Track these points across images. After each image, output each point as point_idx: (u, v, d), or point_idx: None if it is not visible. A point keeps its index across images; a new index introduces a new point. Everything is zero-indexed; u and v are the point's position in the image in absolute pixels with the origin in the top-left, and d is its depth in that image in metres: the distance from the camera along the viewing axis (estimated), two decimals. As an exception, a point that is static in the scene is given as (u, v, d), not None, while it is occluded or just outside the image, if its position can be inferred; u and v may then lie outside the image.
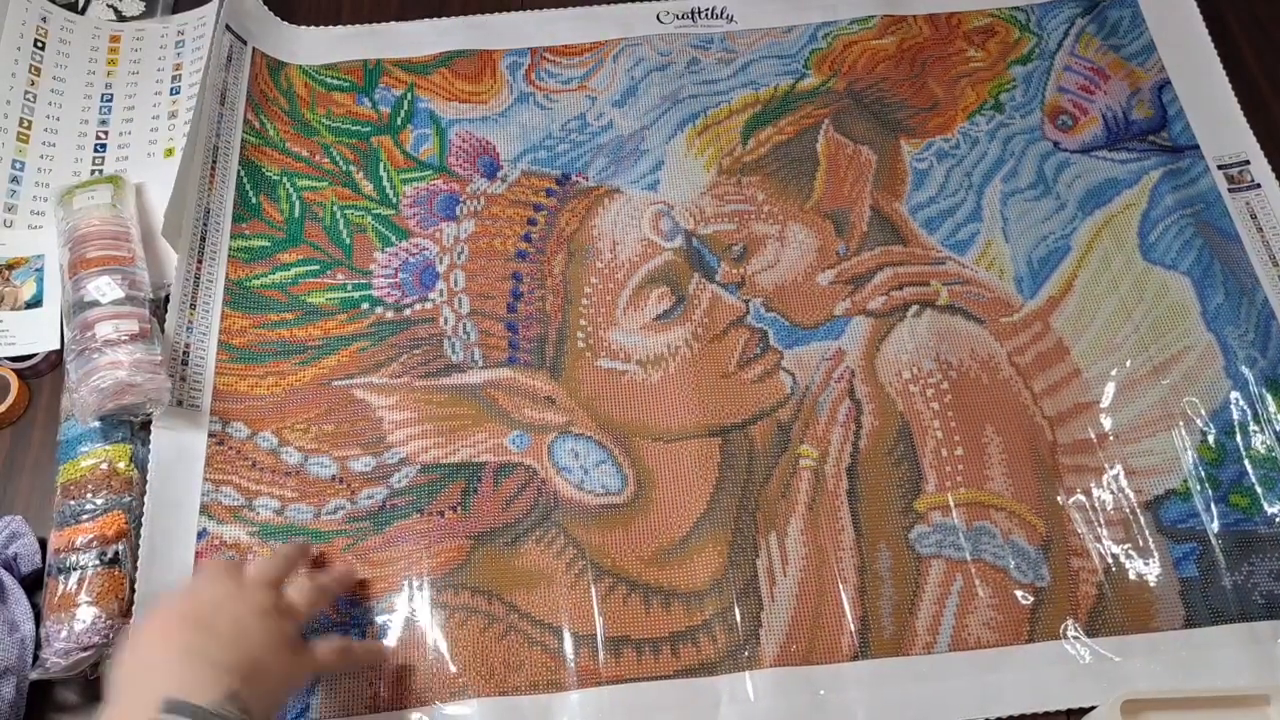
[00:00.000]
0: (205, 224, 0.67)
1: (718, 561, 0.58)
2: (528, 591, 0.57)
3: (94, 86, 0.74)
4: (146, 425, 0.60)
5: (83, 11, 0.77)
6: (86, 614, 0.53)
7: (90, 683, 0.55)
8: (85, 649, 0.53)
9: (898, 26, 0.77)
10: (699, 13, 0.78)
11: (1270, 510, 0.59)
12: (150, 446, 0.59)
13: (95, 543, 0.55)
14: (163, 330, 0.62)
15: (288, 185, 0.70)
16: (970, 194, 0.70)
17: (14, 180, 0.70)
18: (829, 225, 0.69)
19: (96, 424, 0.58)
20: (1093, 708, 0.54)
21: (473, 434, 0.62)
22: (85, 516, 0.56)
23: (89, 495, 0.56)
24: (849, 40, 0.76)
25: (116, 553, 0.55)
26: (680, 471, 0.61)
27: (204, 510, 0.59)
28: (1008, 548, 0.58)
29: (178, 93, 0.74)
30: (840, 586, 0.57)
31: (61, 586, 0.54)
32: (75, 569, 0.54)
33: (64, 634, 0.53)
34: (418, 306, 0.66)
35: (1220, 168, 0.70)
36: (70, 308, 0.60)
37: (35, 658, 0.53)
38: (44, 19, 0.75)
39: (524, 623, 0.57)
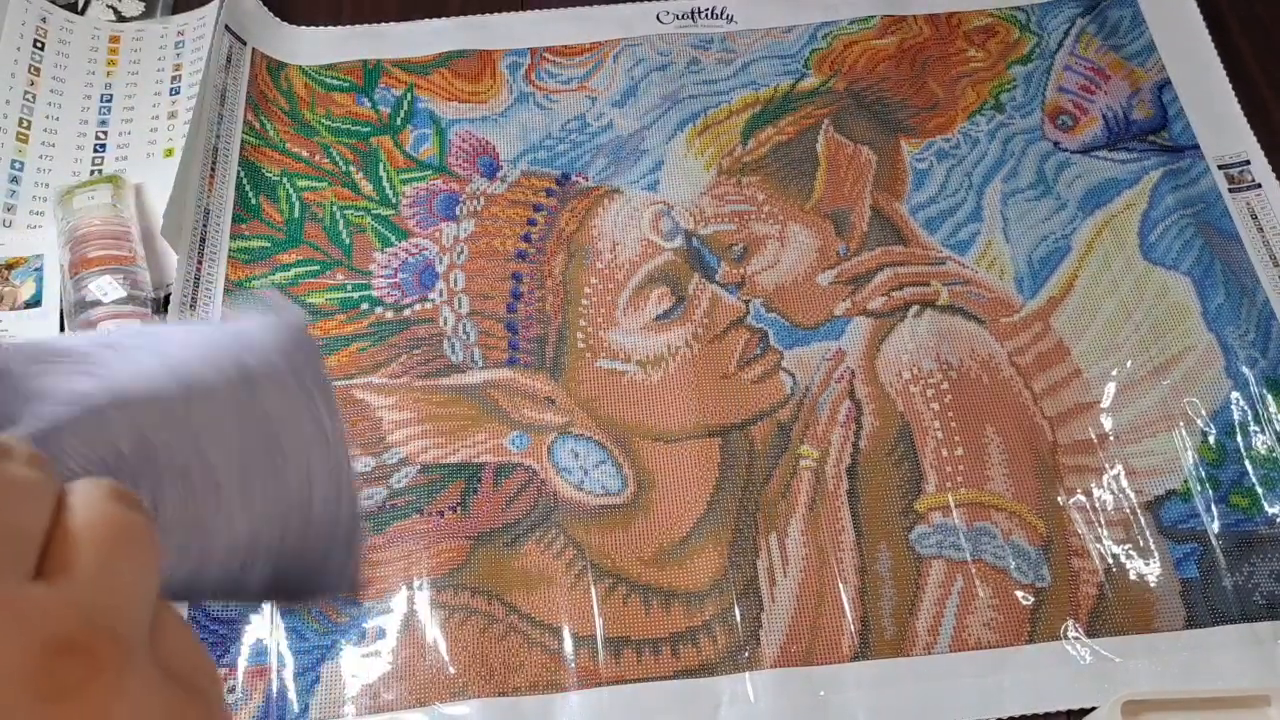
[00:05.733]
0: (205, 225, 0.67)
1: (718, 562, 0.58)
2: (528, 592, 0.57)
3: (93, 87, 0.74)
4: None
5: (82, 12, 0.77)
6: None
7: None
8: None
9: (898, 26, 0.77)
10: (699, 13, 0.78)
11: (1271, 510, 0.59)
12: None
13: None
14: (162, 330, 0.62)
15: (287, 186, 0.70)
16: (970, 194, 0.70)
17: (13, 180, 0.70)
18: (829, 225, 0.69)
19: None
20: (1093, 708, 0.53)
21: (472, 434, 0.62)
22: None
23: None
24: (849, 40, 0.76)
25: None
26: (680, 472, 0.61)
27: (204, 511, 0.59)
28: (1008, 548, 0.58)
29: (177, 93, 0.74)
30: (840, 587, 0.57)
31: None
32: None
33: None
34: (417, 307, 0.66)
35: (1221, 168, 0.70)
36: (72, 307, 0.60)
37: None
38: (44, 19, 0.75)
39: (524, 623, 0.56)
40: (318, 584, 0.28)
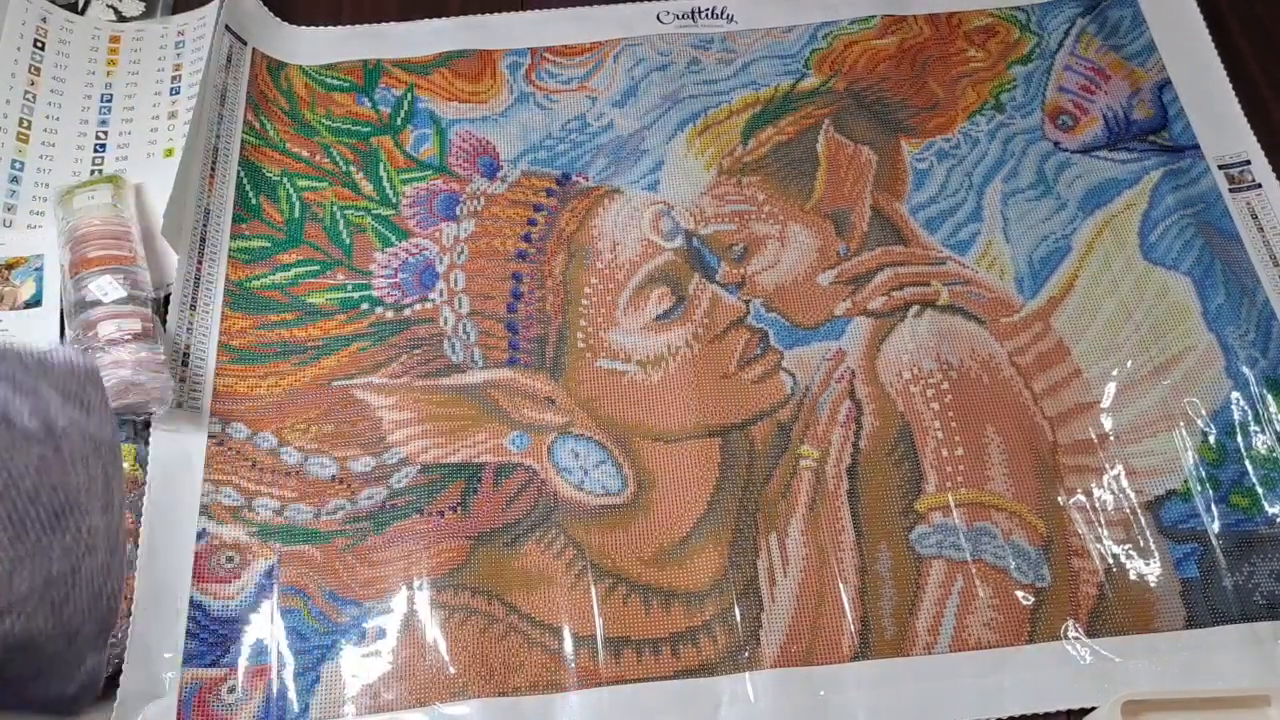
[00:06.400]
0: (205, 224, 0.67)
1: (718, 562, 0.58)
2: (528, 592, 0.57)
3: (94, 87, 0.74)
4: (150, 425, 0.60)
5: (83, 12, 0.77)
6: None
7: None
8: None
9: (898, 26, 0.77)
10: (699, 13, 0.78)
11: (1271, 510, 0.59)
12: (149, 447, 0.59)
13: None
14: (164, 329, 0.62)
15: (288, 185, 0.70)
16: (971, 194, 0.70)
17: (14, 180, 0.70)
18: (829, 225, 0.69)
19: (96, 424, 0.58)
20: (1093, 708, 0.53)
21: (473, 434, 0.62)
22: (86, 517, 0.56)
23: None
24: (849, 40, 0.76)
25: (118, 553, 0.55)
26: (680, 472, 0.61)
27: (204, 510, 0.59)
28: (1008, 548, 0.58)
29: (177, 93, 0.74)
30: (841, 587, 0.57)
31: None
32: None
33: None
34: (417, 306, 0.66)
35: (1221, 168, 0.70)
36: (72, 307, 0.60)
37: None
38: (44, 19, 0.75)
39: (524, 623, 0.56)
40: (54, 671, 0.25)
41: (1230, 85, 0.73)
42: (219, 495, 0.59)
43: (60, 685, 0.26)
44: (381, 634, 0.56)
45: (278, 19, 0.77)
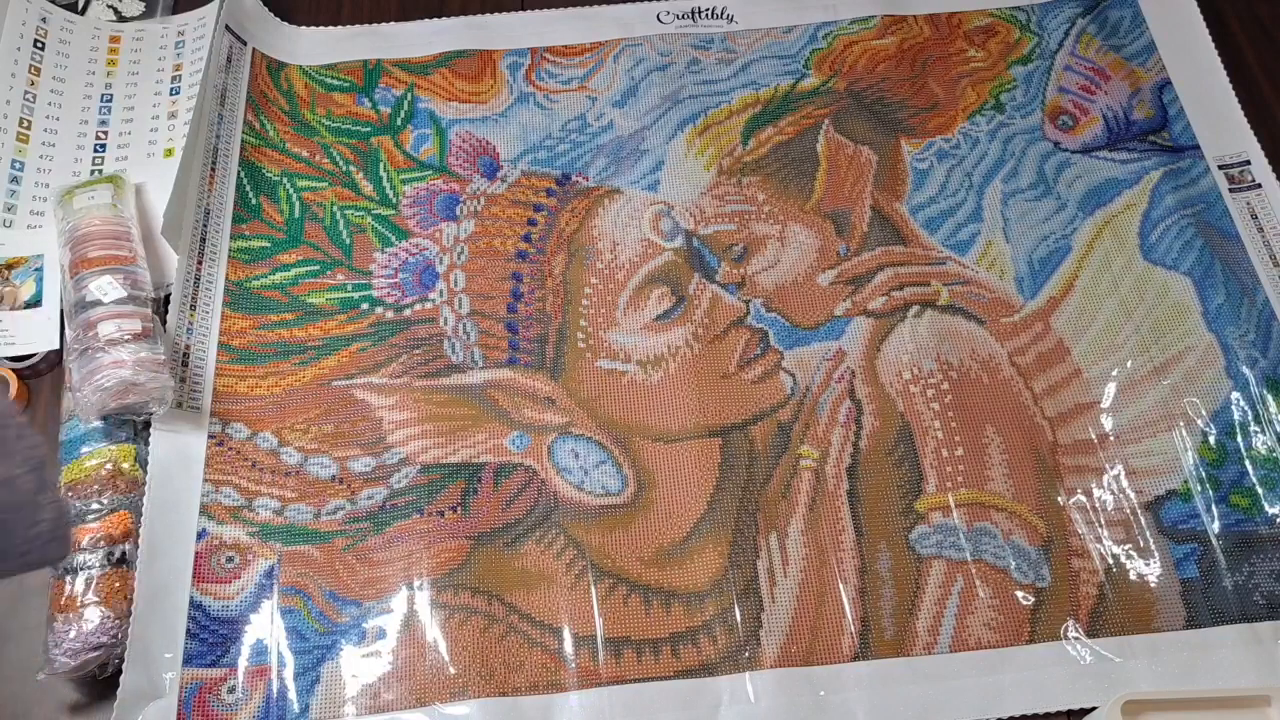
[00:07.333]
0: (205, 225, 0.67)
1: (718, 562, 0.58)
2: (528, 592, 0.57)
3: (94, 87, 0.74)
4: (150, 425, 0.60)
5: (83, 12, 0.77)
6: (94, 614, 0.53)
7: (98, 682, 0.55)
8: (93, 649, 0.53)
9: (898, 26, 0.77)
10: (699, 13, 0.78)
11: (1271, 510, 0.59)
12: (150, 447, 0.59)
13: (102, 542, 0.55)
14: (164, 329, 0.62)
15: (287, 186, 0.70)
16: (971, 194, 0.70)
17: (14, 180, 0.70)
18: (829, 225, 0.69)
19: (99, 423, 0.58)
20: (1093, 708, 0.53)
21: (473, 434, 0.62)
22: (91, 516, 0.56)
23: (94, 495, 0.57)
24: (849, 40, 0.76)
25: (124, 552, 0.55)
26: (680, 472, 0.61)
27: (204, 510, 0.59)
28: (1008, 548, 0.58)
29: (177, 93, 0.74)
30: (841, 587, 0.57)
31: (69, 587, 0.54)
32: (82, 569, 0.54)
33: (72, 634, 0.53)
34: (418, 307, 0.66)
35: (1221, 168, 0.70)
36: (72, 307, 0.60)
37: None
38: (44, 19, 0.75)
39: (524, 623, 0.56)
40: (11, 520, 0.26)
41: (1230, 85, 0.73)
42: (219, 495, 0.59)
43: (24, 529, 0.27)
44: (381, 634, 0.56)
45: (278, 19, 0.77)
